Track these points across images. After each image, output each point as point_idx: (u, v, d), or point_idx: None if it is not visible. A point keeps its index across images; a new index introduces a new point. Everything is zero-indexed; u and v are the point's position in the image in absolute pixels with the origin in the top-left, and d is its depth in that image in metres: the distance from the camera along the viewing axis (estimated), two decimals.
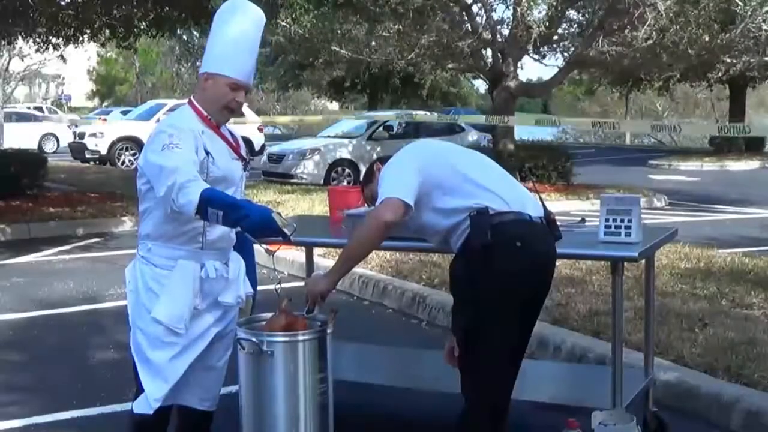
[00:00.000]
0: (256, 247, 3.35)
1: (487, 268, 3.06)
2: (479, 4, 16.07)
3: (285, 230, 2.89)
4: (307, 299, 3.23)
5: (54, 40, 13.51)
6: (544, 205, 3.28)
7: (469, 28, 16.01)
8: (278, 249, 3.17)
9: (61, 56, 15.10)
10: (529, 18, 14.91)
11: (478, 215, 3.08)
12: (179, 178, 2.91)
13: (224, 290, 3.22)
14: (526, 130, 22.35)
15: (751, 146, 26.48)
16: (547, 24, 14.86)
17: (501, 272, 3.05)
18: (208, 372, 3.25)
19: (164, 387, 3.12)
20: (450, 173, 3.16)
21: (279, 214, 2.92)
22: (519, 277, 3.08)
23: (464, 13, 16.03)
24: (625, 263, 3.76)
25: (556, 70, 16.76)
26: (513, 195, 3.17)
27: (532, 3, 14.70)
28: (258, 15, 3.26)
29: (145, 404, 3.13)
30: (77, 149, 22.24)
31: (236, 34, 3.20)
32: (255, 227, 2.91)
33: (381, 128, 18.05)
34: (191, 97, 3.26)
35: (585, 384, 4.30)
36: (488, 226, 3.06)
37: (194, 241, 3.14)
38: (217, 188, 3.05)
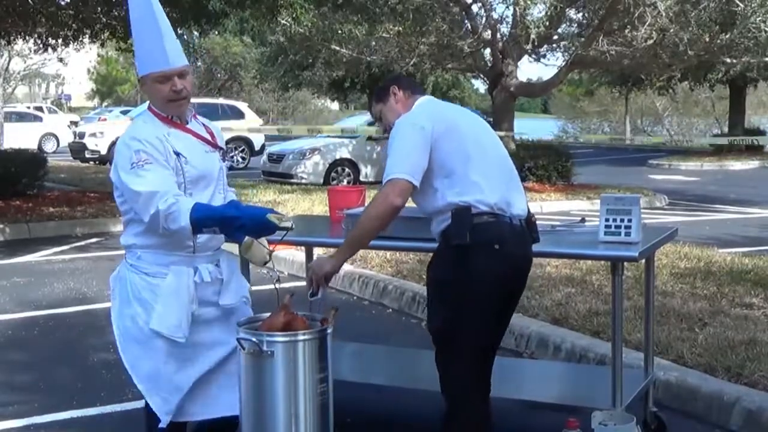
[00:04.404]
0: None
1: (464, 270, 3.10)
2: (479, 4, 16.08)
3: (284, 225, 2.90)
4: (311, 282, 3.22)
5: (53, 41, 13.51)
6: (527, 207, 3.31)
7: (469, 28, 16.02)
8: (274, 249, 3.17)
9: (60, 59, 15.05)
10: (528, 18, 14.92)
11: (460, 213, 3.10)
12: (161, 204, 2.86)
13: (222, 292, 3.18)
14: (526, 130, 22.33)
15: (751, 146, 26.44)
16: (546, 24, 14.86)
17: (478, 274, 3.09)
18: (230, 377, 3.17)
19: (171, 400, 3.08)
20: (457, 157, 3.14)
21: (273, 211, 2.92)
22: (495, 279, 3.13)
23: (464, 13, 16.04)
24: (625, 263, 3.76)
25: (556, 70, 16.77)
26: (502, 194, 3.18)
27: (531, 2, 14.70)
28: None
29: (159, 418, 3.08)
30: (77, 149, 22.25)
31: (139, 26, 3.08)
32: (252, 233, 2.92)
33: None
34: (149, 103, 3.16)
35: (585, 384, 4.30)
36: (469, 226, 3.09)
37: (186, 245, 3.06)
38: (199, 185, 3.02)
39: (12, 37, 13.58)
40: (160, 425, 3.09)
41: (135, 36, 3.10)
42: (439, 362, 3.24)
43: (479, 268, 3.09)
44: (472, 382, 3.19)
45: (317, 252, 7.76)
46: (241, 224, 2.88)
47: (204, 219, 2.87)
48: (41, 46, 13.61)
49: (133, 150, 2.94)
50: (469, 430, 3.20)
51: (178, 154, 3.01)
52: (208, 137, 3.18)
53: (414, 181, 3.07)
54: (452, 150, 3.14)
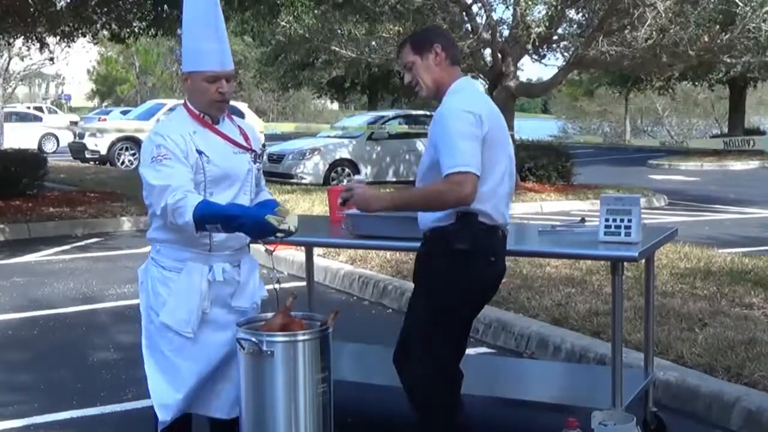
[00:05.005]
0: (257, 246, 3.35)
1: (460, 274, 3.14)
2: (479, 4, 16.07)
3: (283, 227, 2.90)
4: (344, 201, 3.22)
5: (53, 40, 13.50)
6: None
7: (469, 28, 16.01)
8: (275, 249, 3.17)
9: (51, 59, 15.02)
10: (528, 18, 14.91)
11: (467, 218, 3.13)
12: (170, 199, 2.93)
13: (236, 294, 3.19)
14: (526, 129, 22.34)
15: (745, 151, 26.43)
16: (546, 24, 14.85)
17: (474, 281, 3.17)
18: (232, 381, 3.19)
19: (174, 395, 3.10)
20: (490, 160, 3.12)
21: (276, 213, 2.93)
22: (485, 288, 3.26)
23: (464, 13, 16.02)
24: (625, 263, 3.77)
25: (556, 70, 16.76)
26: (504, 207, 3.25)
27: (531, 3, 14.69)
28: None
29: (160, 412, 3.11)
30: (77, 149, 22.23)
31: (195, 25, 3.13)
32: (252, 233, 2.97)
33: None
34: (185, 99, 3.23)
35: (585, 384, 4.30)
36: (473, 232, 3.12)
37: (202, 242, 3.11)
38: (221, 184, 3.06)
39: (11, 38, 13.58)
40: (162, 419, 3.10)
41: (191, 32, 3.14)
42: (415, 357, 3.26)
43: (475, 275, 3.16)
44: (452, 377, 3.28)
45: (317, 252, 7.77)
46: (241, 223, 2.92)
47: (206, 216, 2.91)
48: (37, 43, 13.58)
49: (154, 144, 3.03)
50: (452, 424, 3.26)
51: (200, 152, 3.07)
52: (240, 138, 3.21)
53: (479, 175, 3.04)
54: (491, 151, 3.12)
